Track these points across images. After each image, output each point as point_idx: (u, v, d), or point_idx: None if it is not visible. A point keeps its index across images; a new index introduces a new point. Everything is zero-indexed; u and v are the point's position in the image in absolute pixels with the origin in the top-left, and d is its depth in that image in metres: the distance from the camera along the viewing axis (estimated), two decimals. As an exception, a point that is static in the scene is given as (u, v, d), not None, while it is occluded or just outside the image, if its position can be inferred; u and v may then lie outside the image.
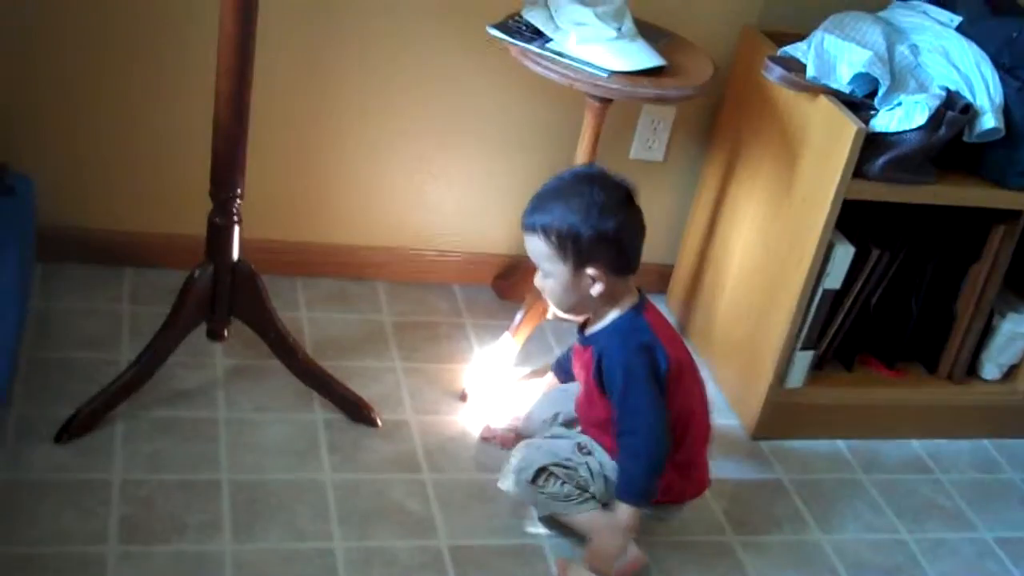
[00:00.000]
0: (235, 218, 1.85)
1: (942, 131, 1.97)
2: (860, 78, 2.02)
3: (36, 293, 2.16)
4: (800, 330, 2.14)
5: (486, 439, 2.07)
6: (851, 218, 2.05)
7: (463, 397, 2.17)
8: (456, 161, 2.37)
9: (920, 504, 2.18)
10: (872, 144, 1.97)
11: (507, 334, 2.22)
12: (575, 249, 1.72)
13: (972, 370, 2.38)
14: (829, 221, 2.00)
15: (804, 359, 2.20)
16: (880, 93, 2.01)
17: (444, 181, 2.38)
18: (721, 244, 2.37)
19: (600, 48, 1.96)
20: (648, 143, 2.44)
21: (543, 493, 1.82)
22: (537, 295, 2.18)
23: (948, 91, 2.01)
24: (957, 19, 2.14)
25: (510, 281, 2.48)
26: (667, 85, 1.99)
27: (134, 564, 1.68)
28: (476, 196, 2.42)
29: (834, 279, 2.11)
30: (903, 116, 1.97)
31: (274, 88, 2.11)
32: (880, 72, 2.00)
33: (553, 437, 1.91)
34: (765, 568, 1.95)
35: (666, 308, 2.53)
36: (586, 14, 1.98)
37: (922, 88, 2.03)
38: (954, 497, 2.22)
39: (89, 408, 1.88)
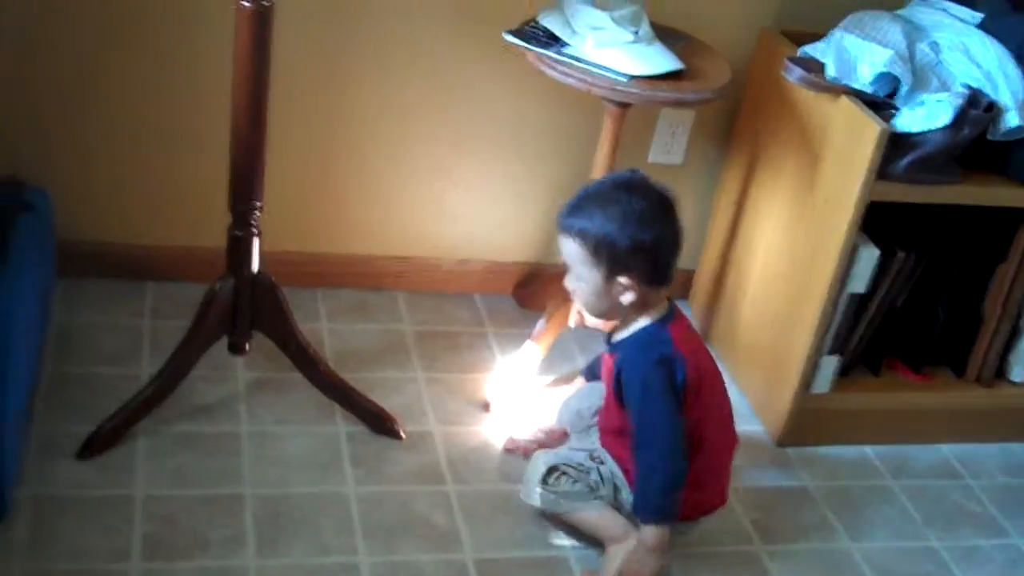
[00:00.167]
0: (254, 230, 1.85)
1: (966, 130, 1.95)
2: (881, 77, 2.00)
3: (56, 309, 2.16)
4: (825, 334, 2.11)
5: (510, 450, 2.05)
6: (875, 220, 2.02)
7: (486, 407, 2.15)
8: (474, 168, 2.36)
9: (950, 510, 2.15)
10: (895, 144, 1.94)
11: (529, 342, 2.21)
12: (609, 257, 1.71)
13: (1000, 372, 2.35)
14: (853, 223, 1.98)
15: (830, 364, 2.17)
16: (902, 92, 1.99)
17: (463, 188, 2.37)
18: (743, 248, 2.35)
19: (618, 52, 1.95)
20: (667, 147, 2.43)
21: (554, 492, 1.82)
22: (559, 303, 2.18)
23: (971, 89, 1.98)
24: (978, 16, 2.12)
25: (530, 290, 2.46)
26: (685, 88, 1.98)
27: (158, 581, 1.67)
28: (495, 204, 2.41)
29: (859, 282, 2.09)
30: (926, 115, 1.94)
31: (290, 99, 2.10)
32: (901, 71, 1.98)
33: (571, 449, 1.91)
34: (794, 577, 1.93)
35: (689, 313, 2.50)
36: (603, 18, 1.97)
37: (944, 86, 2.00)
38: (984, 503, 2.18)
39: (111, 424, 1.87)
